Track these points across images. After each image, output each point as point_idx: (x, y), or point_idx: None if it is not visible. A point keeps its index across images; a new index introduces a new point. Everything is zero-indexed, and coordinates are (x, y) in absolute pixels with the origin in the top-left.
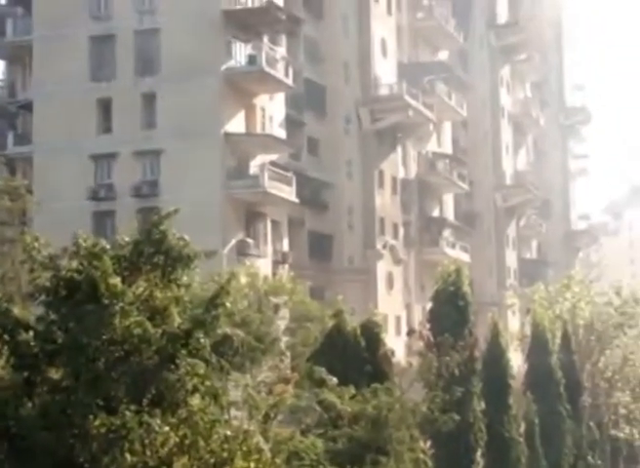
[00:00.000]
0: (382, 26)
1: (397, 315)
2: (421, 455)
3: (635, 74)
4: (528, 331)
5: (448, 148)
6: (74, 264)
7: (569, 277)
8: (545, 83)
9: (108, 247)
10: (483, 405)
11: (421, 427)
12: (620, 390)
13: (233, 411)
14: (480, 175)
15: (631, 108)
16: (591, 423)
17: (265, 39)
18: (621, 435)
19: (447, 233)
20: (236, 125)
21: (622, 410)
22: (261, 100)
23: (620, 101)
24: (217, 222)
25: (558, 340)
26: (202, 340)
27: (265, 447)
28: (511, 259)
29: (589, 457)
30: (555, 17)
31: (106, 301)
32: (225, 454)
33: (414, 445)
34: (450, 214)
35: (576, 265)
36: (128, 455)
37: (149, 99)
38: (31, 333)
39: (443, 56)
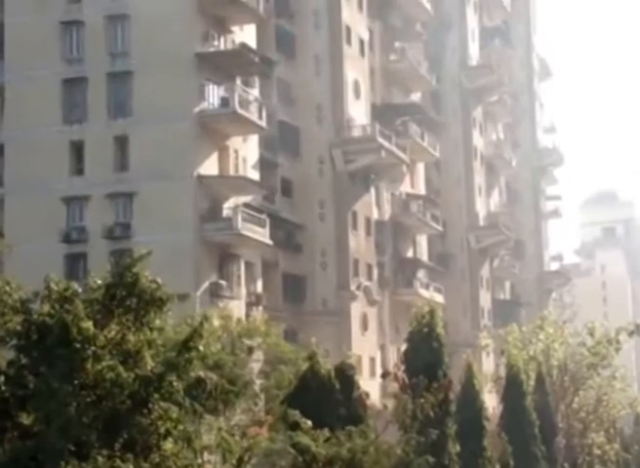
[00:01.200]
0: (355, 68)
1: (371, 356)
2: None
3: (607, 115)
4: (502, 372)
5: (421, 189)
6: (46, 308)
7: (542, 318)
8: (517, 124)
9: (80, 290)
10: (458, 447)
11: None
12: (594, 431)
13: (206, 455)
14: (453, 217)
15: (603, 147)
16: (566, 464)
17: (238, 81)
18: None
19: (421, 274)
20: (209, 167)
21: (597, 451)
22: (235, 142)
23: (591, 142)
24: (190, 265)
25: (532, 381)
26: (175, 384)
27: None
28: (485, 300)
29: None
30: (526, 58)
31: (78, 345)
32: None
33: None
34: (424, 255)
35: (549, 306)
36: None
37: (122, 142)
38: (2, 378)
39: (416, 97)
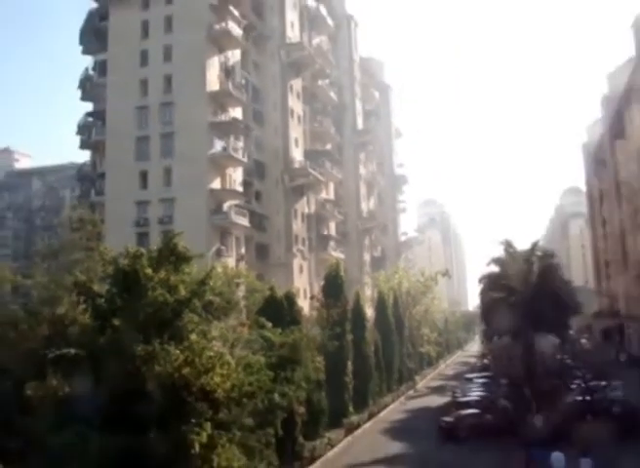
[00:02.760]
0: (295, 131)
1: (304, 288)
2: (318, 365)
3: (438, 157)
4: (375, 295)
5: (332, 196)
6: (126, 261)
7: (397, 266)
8: (384, 161)
9: (145, 252)
10: (351, 336)
11: (318, 349)
12: (424, 327)
13: (214, 342)
14: (350, 212)
15: (430, 173)
16: (409, 345)
17: (232, 138)
18: (424, 350)
19: (332, 243)
20: (215, 184)
21: (425, 337)
22: (229, 171)
23: (423, 170)
24: (204, 238)
25: (391, 300)
26: (196, 303)
27: (232, 361)
28: (367, 257)
29: (408, 362)
30: (388, 127)
31: (143, 282)
32: (210, 366)
33: (314, 359)
34: (333, 233)
35: (400, 260)
36: (156, 366)
37: (168, 171)
38: (102, 300)
39: (328, 146)
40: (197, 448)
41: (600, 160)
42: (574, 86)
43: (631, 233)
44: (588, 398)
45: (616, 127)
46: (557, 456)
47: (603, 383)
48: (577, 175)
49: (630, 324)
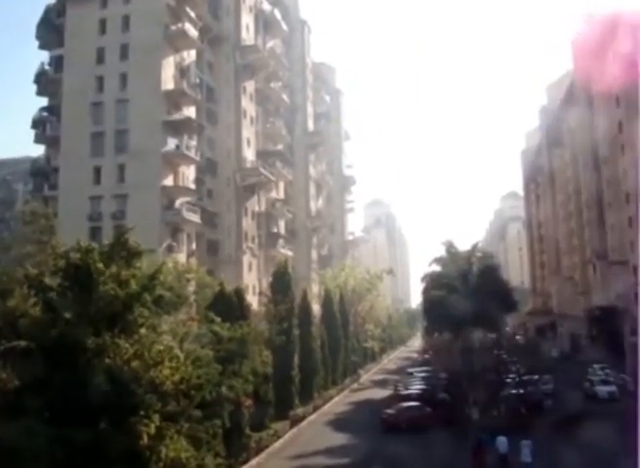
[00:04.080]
0: (248, 131)
1: (253, 285)
2: (265, 359)
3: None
4: (322, 292)
5: (282, 196)
6: (78, 256)
7: (343, 264)
8: (333, 162)
9: (96, 247)
10: (298, 331)
11: (265, 344)
12: (369, 323)
13: (164, 336)
14: (299, 211)
15: (377, 174)
16: (353, 339)
17: (185, 136)
18: (368, 345)
19: (281, 241)
20: (168, 181)
21: (369, 333)
22: (182, 168)
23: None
24: (156, 234)
25: (338, 297)
26: (147, 298)
27: (180, 355)
28: (315, 255)
29: (353, 357)
30: (338, 130)
31: (95, 276)
32: (159, 359)
33: (261, 353)
34: (282, 231)
35: (347, 258)
36: (106, 359)
37: (122, 168)
38: (54, 293)
39: (280, 147)
40: (146, 439)
41: (538, 166)
42: (516, 95)
43: (565, 237)
44: (522, 391)
45: (553, 135)
46: (501, 440)
47: (536, 377)
48: (515, 181)
49: (562, 321)
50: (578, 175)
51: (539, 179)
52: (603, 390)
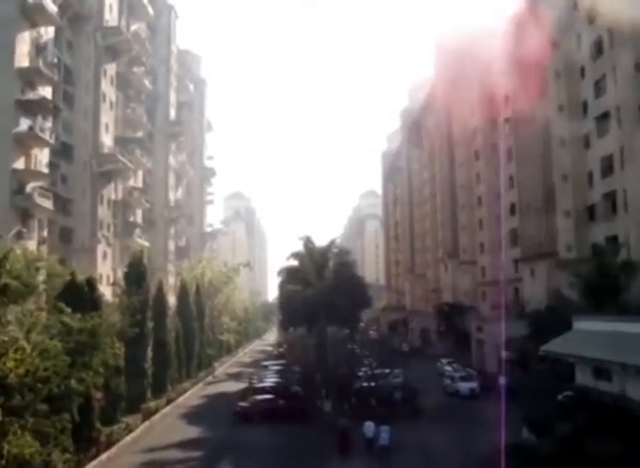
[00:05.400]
0: (107, 116)
1: (108, 274)
2: (117, 351)
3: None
4: (179, 284)
5: (140, 184)
6: None
7: (201, 256)
8: (194, 153)
9: None
10: (152, 323)
11: (118, 336)
12: (225, 316)
13: (10, 327)
14: (157, 201)
15: (238, 167)
16: (210, 332)
17: (40, 117)
18: (224, 338)
19: (137, 231)
20: (19, 164)
21: (225, 326)
22: (35, 151)
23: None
24: (4, 220)
25: (194, 289)
26: None
27: (27, 346)
28: (172, 246)
29: (208, 349)
30: (201, 120)
31: None
32: (2, 350)
33: (113, 345)
34: (139, 220)
35: (205, 251)
36: None
37: None
38: None
39: (139, 134)
40: None
41: (397, 167)
42: (381, 96)
43: (420, 236)
44: (373, 384)
45: (413, 138)
46: (368, 425)
47: (387, 371)
48: (375, 180)
49: (414, 318)
50: (434, 178)
51: (397, 180)
52: (464, 387)
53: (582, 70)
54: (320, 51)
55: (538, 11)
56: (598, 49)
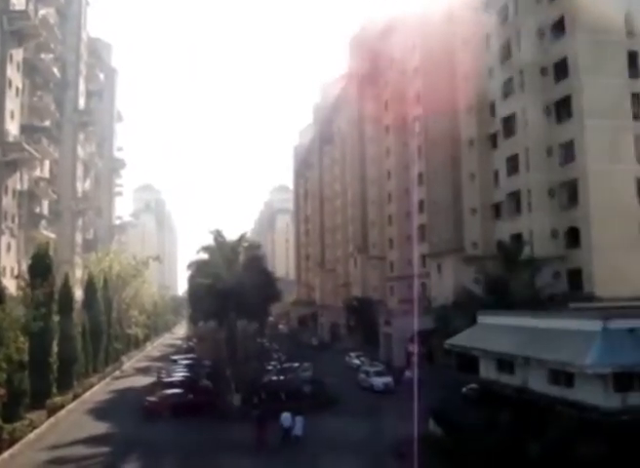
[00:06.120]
0: (12, 103)
1: (12, 267)
2: (21, 345)
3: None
4: (86, 277)
5: (47, 174)
6: None
7: (109, 249)
8: (103, 144)
9: None
10: (58, 317)
11: (22, 329)
12: (133, 309)
13: None
14: (65, 192)
15: (147, 158)
16: (117, 326)
17: None
18: (132, 332)
19: (43, 222)
20: None
21: (134, 319)
22: None
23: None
24: None
25: (102, 283)
26: None
27: None
28: (79, 238)
29: (116, 344)
30: (111, 110)
31: None
32: None
33: (17, 339)
34: (46, 211)
35: (113, 244)
36: None
37: None
38: None
39: (47, 123)
40: None
41: (308, 162)
42: (295, 92)
43: (330, 231)
44: (282, 378)
45: (325, 133)
46: (285, 416)
47: (296, 365)
48: (287, 175)
49: (323, 312)
50: (345, 173)
51: (308, 175)
52: (378, 381)
53: (491, 72)
54: (235, 43)
55: (450, 11)
56: (507, 51)
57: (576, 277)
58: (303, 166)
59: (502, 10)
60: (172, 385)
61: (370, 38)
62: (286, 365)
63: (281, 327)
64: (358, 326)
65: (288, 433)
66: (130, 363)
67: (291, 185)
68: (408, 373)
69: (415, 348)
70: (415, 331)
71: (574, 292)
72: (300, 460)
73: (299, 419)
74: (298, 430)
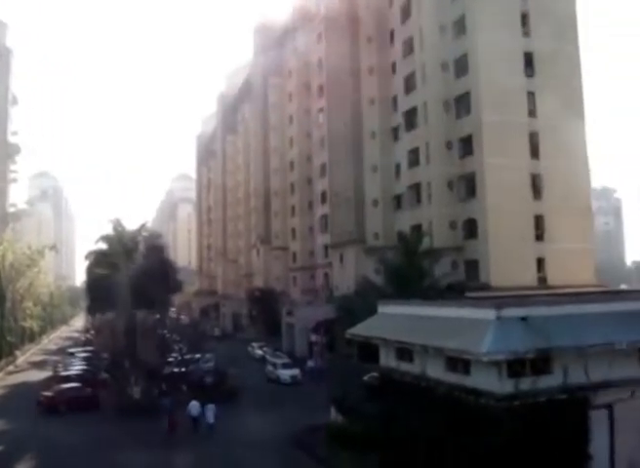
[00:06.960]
0: None
1: None
2: None
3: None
4: None
5: None
6: None
7: (2, 238)
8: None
9: None
10: None
11: None
12: (28, 301)
13: None
14: None
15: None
16: (11, 318)
17: None
18: (26, 324)
19: None
20: None
21: (28, 311)
22: None
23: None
24: None
25: None
26: None
27: None
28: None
29: (9, 337)
30: (4, 93)
31: None
32: None
33: None
34: None
35: (7, 232)
36: None
37: None
38: None
39: None
40: None
41: (211, 151)
42: (198, 80)
43: (232, 221)
44: (184, 369)
45: (228, 122)
46: (193, 404)
47: (198, 356)
48: (189, 163)
49: (225, 302)
50: (248, 163)
51: (211, 164)
52: (285, 374)
53: (394, 66)
54: (139, 29)
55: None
56: (409, 47)
57: (472, 267)
58: (206, 155)
59: (406, 6)
60: (69, 379)
61: (275, 27)
62: (187, 356)
63: (183, 317)
64: (260, 316)
65: (196, 421)
66: (24, 357)
67: (193, 174)
68: (310, 363)
69: (316, 338)
70: (316, 321)
71: (470, 281)
72: (198, 451)
73: (210, 407)
74: (210, 418)
